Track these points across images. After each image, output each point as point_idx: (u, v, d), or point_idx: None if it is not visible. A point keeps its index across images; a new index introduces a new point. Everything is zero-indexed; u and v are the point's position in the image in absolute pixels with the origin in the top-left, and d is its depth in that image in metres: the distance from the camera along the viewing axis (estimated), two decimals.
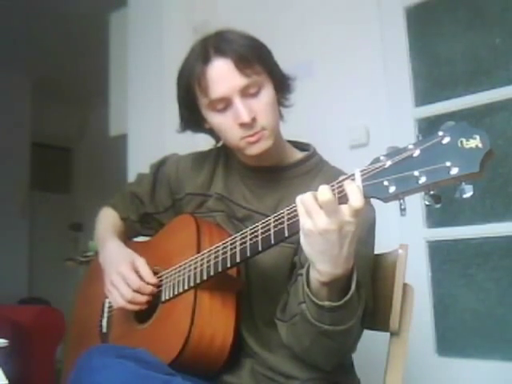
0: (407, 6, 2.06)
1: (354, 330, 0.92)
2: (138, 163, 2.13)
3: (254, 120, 1.05)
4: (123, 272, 1.12)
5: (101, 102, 3.30)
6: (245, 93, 1.05)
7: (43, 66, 4.55)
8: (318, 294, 0.87)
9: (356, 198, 0.77)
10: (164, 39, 2.53)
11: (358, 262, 0.89)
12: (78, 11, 3.61)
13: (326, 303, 0.86)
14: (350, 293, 0.86)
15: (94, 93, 4.19)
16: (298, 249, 1.06)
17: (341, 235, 0.79)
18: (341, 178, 0.82)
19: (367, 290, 0.99)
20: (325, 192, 0.78)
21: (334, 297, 0.86)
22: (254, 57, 1.06)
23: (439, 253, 1.94)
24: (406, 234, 1.88)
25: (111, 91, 2.88)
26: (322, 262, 0.82)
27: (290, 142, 1.21)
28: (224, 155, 1.25)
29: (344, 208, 0.78)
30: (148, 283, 1.12)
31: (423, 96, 2.01)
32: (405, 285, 1.12)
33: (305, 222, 0.80)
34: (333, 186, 0.83)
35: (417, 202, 1.83)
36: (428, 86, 2.02)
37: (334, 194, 0.80)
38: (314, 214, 0.79)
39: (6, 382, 1.02)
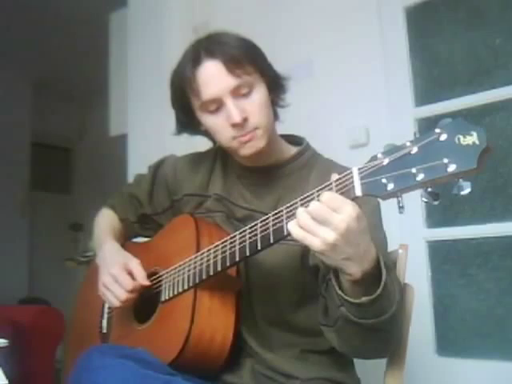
0: (407, 5, 2.06)
1: (398, 313, 0.91)
2: (138, 163, 2.14)
3: (245, 120, 1.05)
4: (114, 273, 1.12)
5: (101, 102, 3.29)
6: (236, 93, 1.06)
7: (43, 66, 4.55)
8: (354, 292, 0.86)
9: (323, 195, 0.79)
10: (164, 39, 2.52)
11: (379, 248, 0.89)
12: (78, 11, 3.61)
13: (364, 299, 0.85)
14: (383, 279, 0.86)
15: (94, 93, 4.19)
16: (306, 247, 1.06)
17: (350, 234, 0.79)
18: (338, 177, 0.83)
19: (395, 273, 0.99)
20: (324, 193, 0.79)
21: (370, 290, 0.85)
22: (245, 57, 1.07)
23: (439, 253, 1.94)
24: (405, 234, 1.88)
25: (111, 91, 2.88)
26: (349, 266, 0.82)
27: (282, 136, 1.21)
28: (221, 156, 1.25)
29: (331, 213, 0.79)
30: (141, 285, 1.12)
31: (423, 96, 2.01)
32: (405, 285, 1.12)
33: (314, 243, 0.80)
34: (331, 184, 0.83)
35: (417, 202, 1.83)
36: (428, 86, 2.02)
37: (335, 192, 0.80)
38: (317, 231, 0.80)
39: (6, 382, 1.02)
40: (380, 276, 0.86)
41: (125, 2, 2.73)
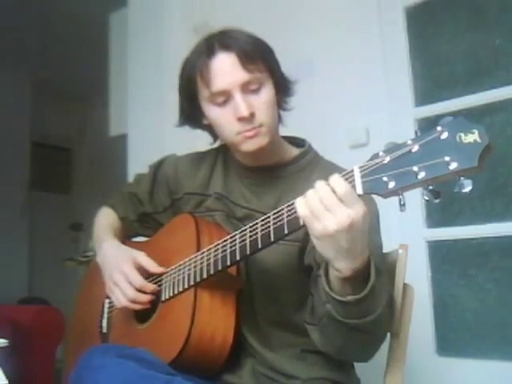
0: (407, 5, 2.06)
1: (383, 317, 0.91)
2: (138, 163, 2.13)
3: (252, 115, 1.05)
4: (125, 270, 1.13)
5: (101, 102, 3.29)
6: (246, 88, 1.06)
7: (43, 66, 4.55)
8: (341, 290, 0.86)
9: (339, 184, 0.79)
10: (164, 39, 2.53)
11: (373, 251, 0.89)
12: (78, 11, 3.61)
13: (350, 298, 0.85)
14: (371, 281, 0.86)
15: (94, 93, 4.19)
16: (303, 247, 1.06)
17: (351, 230, 0.79)
18: (339, 175, 0.82)
19: (386, 278, 0.99)
20: (341, 183, 0.79)
21: (357, 290, 0.85)
22: (258, 54, 1.08)
23: (439, 253, 1.94)
24: (406, 233, 1.88)
25: (111, 91, 2.88)
26: (340, 260, 0.82)
27: (285, 138, 1.22)
28: (222, 155, 1.25)
29: (340, 204, 0.79)
30: (153, 273, 1.13)
31: (423, 96, 2.01)
32: (405, 285, 1.12)
33: (314, 226, 0.80)
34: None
35: (417, 202, 1.84)
36: (428, 86, 2.02)
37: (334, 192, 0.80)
38: (321, 216, 0.80)
39: (6, 382, 1.02)
40: (370, 278, 0.86)
41: (125, 2, 2.73)
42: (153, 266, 1.14)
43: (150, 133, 2.47)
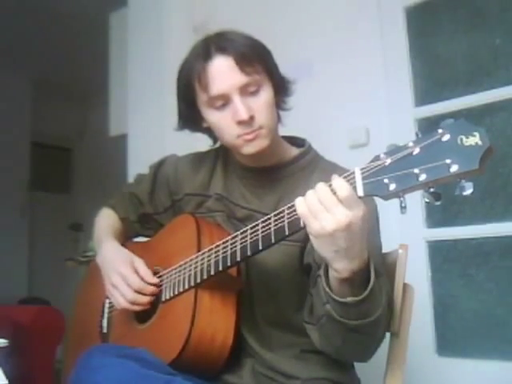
0: (407, 5, 2.07)
1: (382, 319, 0.91)
2: (138, 163, 2.13)
3: (251, 118, 1.05)
4: (123, 272, 1.12)
5: (101, 102, 3.29)
6: (244, 91, 1.06)
7: (43, 66, 4.55)
8: (340, 291, 0.87)
9: (341, 187, 0.79)
10: (164, 39, 2.53)
11: (372, 252, 0.89)
12: (78, 11, 3.61)
13: (349, 299, 0.86)
14: (371, 283, 0.86)
15: (94, 93, 4.19)
16: (305, 248, 1.06)
17: (350, 231, 0.79)
18: (341, 177, 0.82)
19: (385, 279, 0.99)
20: (344, 186, 0.79)
21: (357, 291, 0.86)
22: (255, 56, 1.07)
23: (439, 253, 1.94)
24: (405, 233, 1.88)
25: (111, 91, 2.88)
26: (338, 260, 0.82)
27: (285, 137, 1.22)
28: (222, 156, 1.25)
29: (339, 205, 0.79)
30: (148, 283, 1.12)
31: (423, 96, 2.01)
32: (405, 285, 1.12)
33: (312, 225, 0.81)
34: (331, 184, 0.83)
35: (417, 202, 1.84)
36: (428, 86, 2.02)
37: (335, 193, 0.80)
38: (320, 215, 0.80)
39: (6, 382, 1.02)
40: (369, 280, 0.86)
41: (125, 1, 2.73)
42: (147, 276, 1.13)
43: (150, 133, 2.47)
